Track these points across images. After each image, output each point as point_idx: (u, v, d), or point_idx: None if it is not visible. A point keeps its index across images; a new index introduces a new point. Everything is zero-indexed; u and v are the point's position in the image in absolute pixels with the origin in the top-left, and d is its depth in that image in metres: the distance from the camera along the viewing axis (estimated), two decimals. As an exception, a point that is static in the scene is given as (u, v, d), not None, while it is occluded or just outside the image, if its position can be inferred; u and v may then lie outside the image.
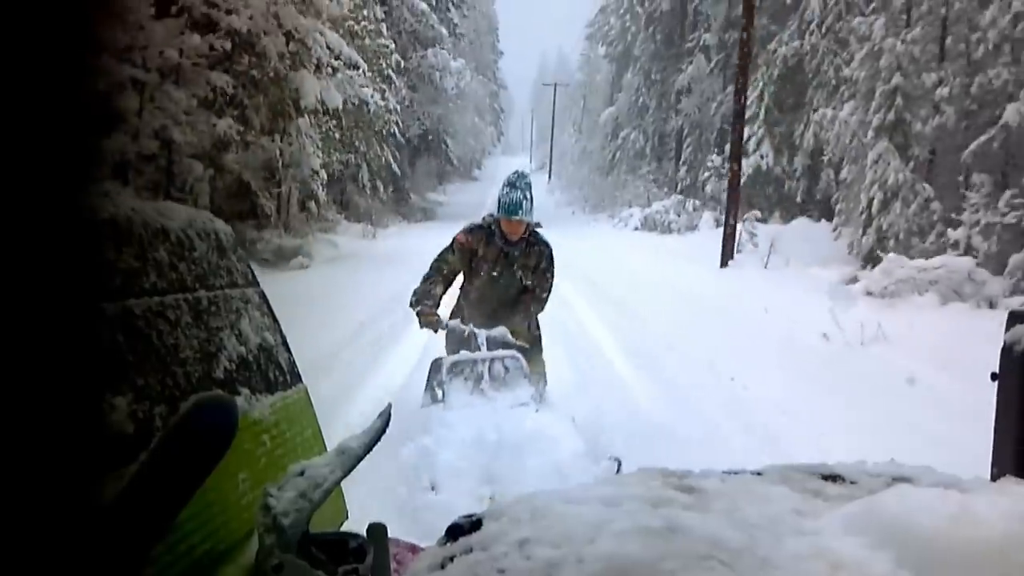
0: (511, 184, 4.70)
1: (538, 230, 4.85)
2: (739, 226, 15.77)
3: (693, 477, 0.95)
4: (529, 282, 4.82)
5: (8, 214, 0.56)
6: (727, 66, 24.29)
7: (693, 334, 8.04)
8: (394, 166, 21.63)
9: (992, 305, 9.76)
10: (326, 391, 5.11)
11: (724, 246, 15.02)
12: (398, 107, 19.10)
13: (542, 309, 4.91)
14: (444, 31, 27.96)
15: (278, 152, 12.14)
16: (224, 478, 1.05)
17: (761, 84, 21.13)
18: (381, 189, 21.45)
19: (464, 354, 4.51)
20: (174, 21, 9.69)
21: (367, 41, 16.51)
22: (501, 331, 4.68)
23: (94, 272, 0.77)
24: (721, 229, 15.53)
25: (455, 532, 0.84)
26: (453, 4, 30.87)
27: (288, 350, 1.41)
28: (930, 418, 5.22)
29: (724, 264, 14.94)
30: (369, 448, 0.93)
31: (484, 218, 4.83)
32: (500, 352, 4.59)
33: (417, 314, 4.65)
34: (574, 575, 0.69)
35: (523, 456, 3.75)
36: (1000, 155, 13.06)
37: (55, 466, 0.58)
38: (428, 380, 4.70)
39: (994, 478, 1.13)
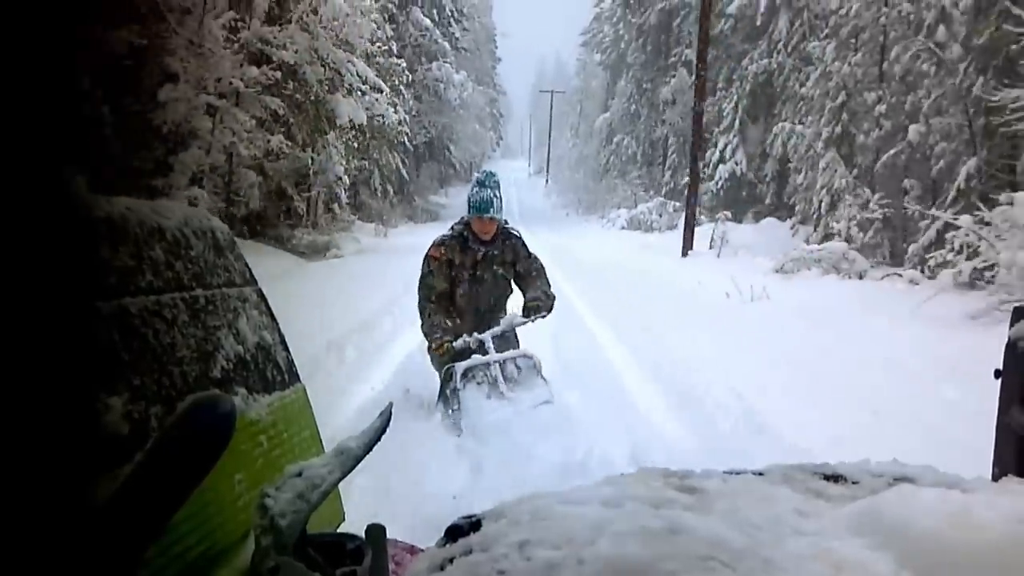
0: (481, 183, 4.70)
1: (506, 227, 4.86)
2: (714, 224, 18.78)
3: (694, 478, 0.94)
4: (510, 276, 4.83)
5: (3, 213, 0.55)
6: (709, 75, 26.58)
7: (638, 294, 11.31)
8: (402, 171, 24.07)
9: (861, 277, 12.84)
10: (387, 330, 7.71)
11: (684, 239, 18.40)
12: (407, 117, 20.96)
13: (549, 284, 4.87)
14: (447, 46, 30.38)
15: (310, 161, 14.61)
16: (220, 479, 1.04)
17: (736, 97, 23.97)
18: (391, 192, 24.07)
19: (476, 358, 4.45)
20: (236, 56, 11.85)
21: (380, 60, 18.32)
22: (509, 319, 4.65)
23: (90, 270, 0.77)
24: (698, 227, 18.89)
25: (454, 533, 0.83)
26: (455, 19, 33.16)
27: (286, 349, 1.40)
28: (767, 339, 7.73)
29: (684, 254, 18.11)
30: (368, 449, 0.92)
31: (453, 227, 4.82)
32: (511, 353, 4.56)
33: (435, 349, 4.62)
34: None
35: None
36: (927, 164, 15.08)
37: (49, 466, 0.57)
38: (441, 389, 4.60)
39: (995, 478, 1.12)
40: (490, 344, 4.53)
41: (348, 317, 7.65)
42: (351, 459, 0.91)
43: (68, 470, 0.58)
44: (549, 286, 4.87)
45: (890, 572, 0.69)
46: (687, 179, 24.78)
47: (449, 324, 4.67)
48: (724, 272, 12.66)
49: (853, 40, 16.91)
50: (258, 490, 0.87)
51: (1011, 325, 1.21)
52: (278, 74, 12.66)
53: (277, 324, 1.39)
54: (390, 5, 22.61)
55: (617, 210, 30.75)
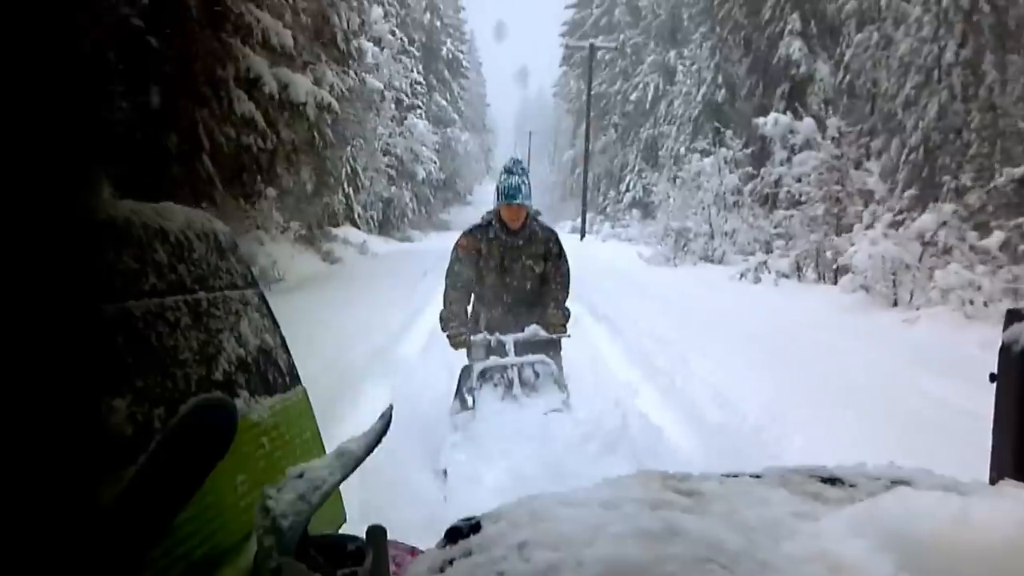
0: (508, 171, 4.65)
1: (539, 218, 4.80)
2: (611, 228, 34.48)
3: (692, 480, 0.95)
4: (540, 270, 4.74)
5: (10, 217, 0.56)
6: (624, 136, 41.93)
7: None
8: (429, 197, 40.81)
9: (630, 241, 27.14)
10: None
11: (581, 230, 33.88)
12: (432, 163, 37.53)
13: (567, 295, 4.80)
14: (456, 116, 48.45)
15: (394, 193, 31.75)
16: (222, 480, 1.04)
17: (635, 151, 39.48)
18: (423, 211, 40.15)
19: (494, 360, 4.43)
20: (379, 150, 27.74)
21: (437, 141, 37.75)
22: (533, 329, 4.60)
23: (95, 273, 0.77)
24: (611, 230, 33.93)
25: (454, 535, 0.84)
26: (462, 98, 51.26)
27: (287, 351, 1.40)
28: (587, 255, 19.75)
29: (581, 239, 31.41)
30: (369, 450, 0.93)
31: (483, 216, 4.78)
32: (530, 357, 4.52)
33: (448, 338, 4.64)
34: None
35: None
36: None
37: (55, 467, 0.58)
38: (458, 387, 4.60)
39: (992, 481, 1.12)
40: (511, 347, 4.49)
41: (435, 253, 16.39)
42: (352, 461, 0.91)
43: (73, 471, 0.59)
44: (567, 297, 4.80)
45: (889, 574, 0.69)
46: (606, 202, 43.73)
47: (461, 310, 4.69)
48: (593, 244, 27.49)
49: (689, 125, 32.12)
50: (260, 491, 0.88)
51: (1004, 328, 1.20)
52: (393, 159, 30.38)
53: (278, 326, 1.39)
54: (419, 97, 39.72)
55: (564, 221, 45.12)
